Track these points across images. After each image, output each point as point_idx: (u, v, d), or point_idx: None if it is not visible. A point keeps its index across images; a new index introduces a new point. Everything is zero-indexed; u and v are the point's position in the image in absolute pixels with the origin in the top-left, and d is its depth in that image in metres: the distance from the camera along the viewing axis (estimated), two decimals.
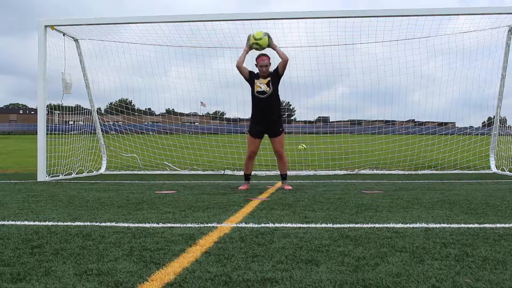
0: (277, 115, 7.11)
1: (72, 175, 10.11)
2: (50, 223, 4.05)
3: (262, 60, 6.92)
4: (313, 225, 3.88)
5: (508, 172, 9.95)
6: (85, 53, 10.86)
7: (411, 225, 3.85)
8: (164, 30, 9.82)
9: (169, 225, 3.94)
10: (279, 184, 8.10)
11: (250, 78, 7.05)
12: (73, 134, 10.68)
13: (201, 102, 13.89)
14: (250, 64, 7.21)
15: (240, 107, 15.14)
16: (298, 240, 3.31)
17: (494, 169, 10.65)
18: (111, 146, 11.96)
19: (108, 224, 4.01)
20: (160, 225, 3.95)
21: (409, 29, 9.66)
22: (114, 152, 12.00)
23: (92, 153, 11.35)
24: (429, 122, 14.58)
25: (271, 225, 3.91)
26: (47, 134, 9.42)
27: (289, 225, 3.91)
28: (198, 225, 3.92)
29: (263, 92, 6.94)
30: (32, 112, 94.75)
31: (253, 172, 10.60)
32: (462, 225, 3.85)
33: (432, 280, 2.34)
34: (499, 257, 2.80)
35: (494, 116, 10.78)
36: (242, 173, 10.68)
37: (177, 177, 10.00)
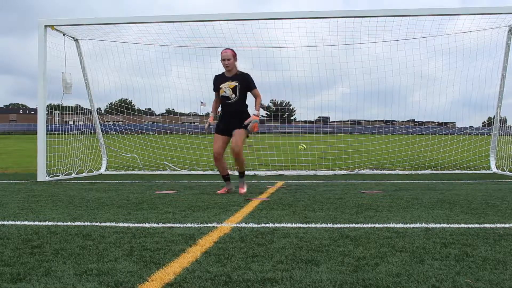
0: (245, 118, 6.42)
1: (72, 175, 10.11)
2: (50, 223, 4.05)
3: (225, 53, 6.36)
4: (313, 225, 3.88)
5: (508, 172, 9.95)
6: (85, 53, 10.87)
7: (411, 225, 3.85)
8: (164, 30, 9.83)
9: (169, 225, 3.94)
10: (279, 184, 8.11)
11: (215, 86, 6.52)
12: (73, 134, 10.68)
13: (201, 102, 13.89)
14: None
15: None
16: (298, 240, 3.30)
17: (494, 169, 10.65)
18: (111, 146, 11.96)
19: (108, 224, 4.01)
20: (160, 225, 3.95)
21: (409, 29, 9.67)
22: (114, 152, 12.00)
23: (92, 153, 11.35)
24: (429, 122, 14.58)
25: (271, 225, 3.91)
26: (47, 134, 9.42)
27: (289, 225, 3.91)
28: (198, 225, 3.91)
29: (228, 98, 6.39)
30: (32, 112, 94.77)
31: (253, 172, 10.66)
32: (462, 225, 3.85)
33: (432, 280, 2.33)
34: (499, 257, 2.80)
35: (494, 116, 10.78)
36: None
37: (177, 177, 10.00)
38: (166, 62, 11.87)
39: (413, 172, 10.73)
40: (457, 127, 13.09)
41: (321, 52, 10.70)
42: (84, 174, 10.49)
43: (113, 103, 14.07)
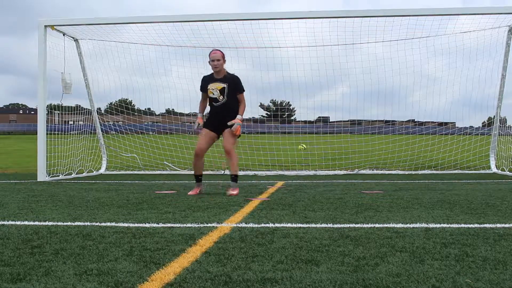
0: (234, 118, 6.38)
1: (72, 175, 10.11)
2: (50, 223, 4.05)
3: (214, 53, 6.29)
4: (313, 225, 3.88)
5: (508, 172, 9.95)
6: (85, 53, 10.87)
7: (411, 225, 3.85)
8: (164, 30, 9.83)
9: (169, 225, 3.94)
10: (279, 184, 8.11)
11: (203, 87, 6.46)
12: (73, 134, 10.68)
13: None
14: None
15: None
16: (298, 240, 3.30)
17: (494, 169, 10.65)
18: (111, 146, 11.96)
19: (108, 224, 4.01)
20: (160, 225, 3.95)
21: (409, 29, 9.67)
22: (114, 152, 12.00)
23: (92, 153, 11.35)
24: (429, 122, 14.57)
25: (271, 225, 3.91)
26: (47, 134, 9.42)
27: (289, 225, 3.91)
28: (198, 225, 3.91)
29: (216, 100, 6.32)
30: (32, 112, 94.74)
31: (253, 172, 10.65)
32: (462, 225, 3.85)
33: (432, 280, 2.33)
34: (499, 257, 2.80)
35: (494, 116, 10.78)
36: (242, 173, 10.69)
37: (177, 177, 10.00)
38: (166, 62, 11.89)
39: (413, 172, 10.73)
40: (457, 127, 13.09)
41: (321, 52, 10.72)
42: (84, 174, 10.49)
43: (113, 103, 14.07)
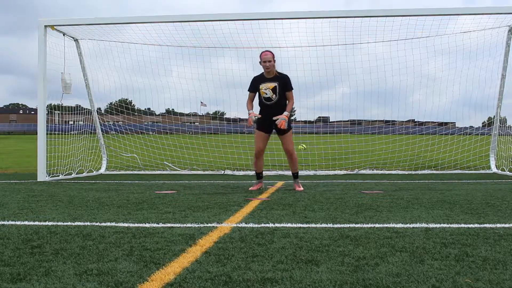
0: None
1: (72, 175, 10.11)
2: (50, 223, 4.05)
3: (265, 55, 6.67)
4: (313, 225, 3.88)
5: (508, 172, 9.95)
6: (85, 53, 10.86)
7: (411, 225, 3.85)
8: (164, 30, 9.83)
9: (169, 225, 3.94)
10: (279, 184, 8.11)
11: (255, 87, 6.82)
12: (73, 134, 10.68)
13: (201, 102, 13.90)
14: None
15: (240, 107, 15.14)
16: (298, 240, 3.30)
17: (494, 169, 10.65)
18: (111, 146, 11.96)
19: (108, 224, 4.01)
20: (160, 225, 3.95)
21: (409, 29, 9.67)
22: (114, 152, 12.00)
23: (92, 153, 11.36)
24: (429, 122, 14.58)
25: (271, 225, 3.91)
26: (47, 134, 9.42)
27: (289, 225, 3.91)
28: (198, 225, 3.91)
29: (269, 99, 6.75)
30: (32, 112, 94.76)
31: (253, 172, 10.63)
32: (462, 225, 3.85)
33: (432, 280, 2.33)
34: (499, 257, 2.80)
35: (494, 116, 10.78)
36: (242, 173, 10.72)
37: (177, 177, 10.00)
38: (166, 62, 11.87)
39: (413, 172, 10.73)
40: (457, 127, 13.09)
41: (321, 52, 10.71)
42: (84, 174, 10.49)
43: (113, 103, 14.06)
